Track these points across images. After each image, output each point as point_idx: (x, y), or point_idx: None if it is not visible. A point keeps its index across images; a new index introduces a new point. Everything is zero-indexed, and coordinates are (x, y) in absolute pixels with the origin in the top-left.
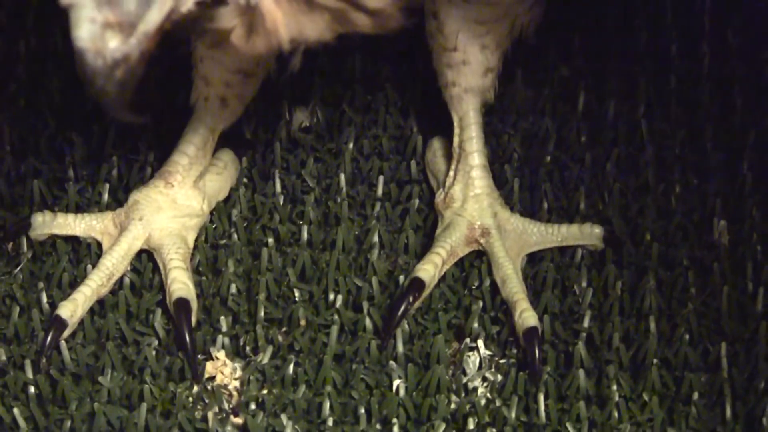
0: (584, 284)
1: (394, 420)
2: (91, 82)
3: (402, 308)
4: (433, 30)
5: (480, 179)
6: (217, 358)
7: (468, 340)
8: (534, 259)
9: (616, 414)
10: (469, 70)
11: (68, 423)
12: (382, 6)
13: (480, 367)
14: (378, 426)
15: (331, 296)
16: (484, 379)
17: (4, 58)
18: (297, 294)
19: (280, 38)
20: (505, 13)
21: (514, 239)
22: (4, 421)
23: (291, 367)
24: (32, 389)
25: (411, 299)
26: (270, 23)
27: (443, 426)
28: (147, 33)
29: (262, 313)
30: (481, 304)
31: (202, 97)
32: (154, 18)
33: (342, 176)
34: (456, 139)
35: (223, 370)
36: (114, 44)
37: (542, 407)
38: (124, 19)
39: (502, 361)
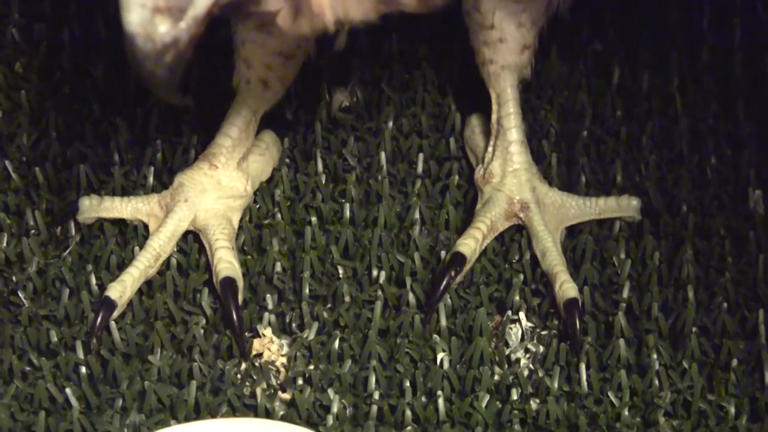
0: (623, 255)
1: (439, 392)
2: (140, 66)
3: (444, 283)
4: (469, 8)
5: (518, 154)
6: (264, 335)
7: (510, 312)
8: (573, 232)
9: (656, 382)
10: (506, 48)
11: (120, 401)
12: None
13: (522, 339)
14: (423, 398)
15: (375, 272)
16: (527, 350)
17: (48, 47)
18: (341, 271)
19: (326, 20)
20: None
21: (553, 213)
22: (57, 401)
23: (336, 342)
24: (84, 369)
25: (453, 274)
26: (316, 6)
27: (487, 397)
28: (196, 17)
29: (307, 291)
30: (521, 277)
31: (244, 79)
32: (203, 2)
33: (382, 154)
34: (494, 116)
35: (270, 346)
36: (164, 29)
37: (584, 377)
38: (174, 3)
39: (543, 332)
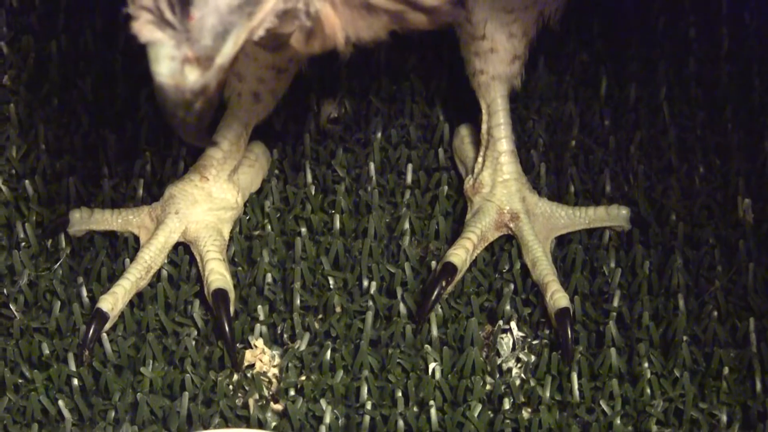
0: (613, 265)
1: (431, 402)
2: (172, 115)
3: (435, 293)
4: (460, 19)
5: (509, 165)
6: (256, 347)
7: (501, 322)
8: (563, 241)
9: (648, 390)
10: (497, 58)
11: (112, 413)
12: (438, 4)
13: (513, 349)
14: (415, 408)
15: (365, 283)
16: (518, 360)
17: (36, 59)
18: (331, 282)
19: (337, 40)
20: (534, 1)
21: (543, 223)
22: (50, 413)
23: (328, 353)
24: (76, 381)
25: (444, 284)
26: (329, 28)
27: (479, 407)
28: (223, 65)
29: (298, 301)
30: (512, 286)
31: (236, 93)
32: (229, 50)
33: (371, 165)
34: (484, 126)
35: (262, 357)
36: (193, 78)
37: (576, 386)
38: (202, 53)
39: (534, 342)
